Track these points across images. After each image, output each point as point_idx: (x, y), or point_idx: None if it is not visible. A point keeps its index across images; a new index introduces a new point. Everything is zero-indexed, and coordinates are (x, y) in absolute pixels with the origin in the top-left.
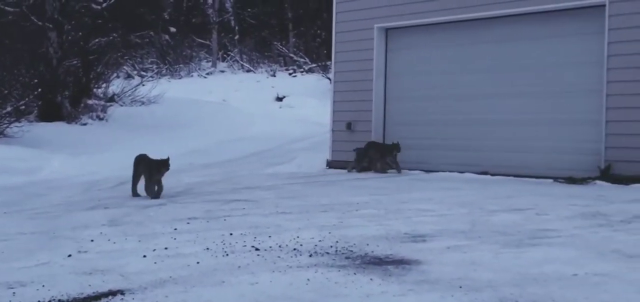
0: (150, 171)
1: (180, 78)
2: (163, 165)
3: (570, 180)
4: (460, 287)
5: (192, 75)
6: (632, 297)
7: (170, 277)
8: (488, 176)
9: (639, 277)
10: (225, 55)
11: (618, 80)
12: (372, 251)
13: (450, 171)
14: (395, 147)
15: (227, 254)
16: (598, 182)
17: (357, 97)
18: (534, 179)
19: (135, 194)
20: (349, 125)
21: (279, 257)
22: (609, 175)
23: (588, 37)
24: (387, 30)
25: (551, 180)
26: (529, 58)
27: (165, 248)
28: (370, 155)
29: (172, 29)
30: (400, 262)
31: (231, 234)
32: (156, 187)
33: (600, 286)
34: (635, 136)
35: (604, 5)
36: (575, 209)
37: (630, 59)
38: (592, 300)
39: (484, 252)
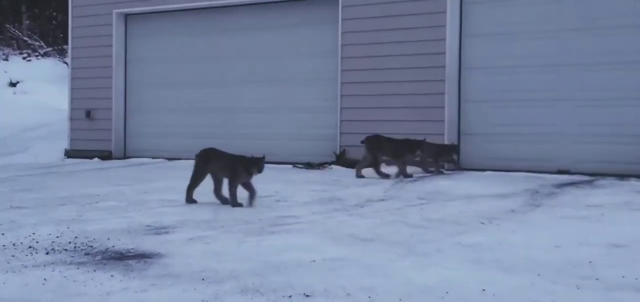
0: (234, 171)
1: None
2: (254, 164)
3: (309, 165)
4: (203, 279)
5: None
6: (366, 280)
7: None
8: None
9: (372, 260)
10: None
11: (350, 69)
12: (113, 246)
13: (192, 159)
14: (418, 145)
15: None
16: (334, 167)
17: (97, 84)
18: (275, 165)
19: (191, 199)
20: (88, 113)
21: (13, 256)
22: (344, 159)
23: (326, 26)
24: (126, 15)
25: (291, 166)
26: (270, 47)
27: None
28: (383, 150)
29: None
30: (142, 256)
31: None
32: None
33: (336, 270)
34: (365, 122)
35: None
36: (314, 194)
37: (360, 49)
38: (329, 285)
39: (226, 242)
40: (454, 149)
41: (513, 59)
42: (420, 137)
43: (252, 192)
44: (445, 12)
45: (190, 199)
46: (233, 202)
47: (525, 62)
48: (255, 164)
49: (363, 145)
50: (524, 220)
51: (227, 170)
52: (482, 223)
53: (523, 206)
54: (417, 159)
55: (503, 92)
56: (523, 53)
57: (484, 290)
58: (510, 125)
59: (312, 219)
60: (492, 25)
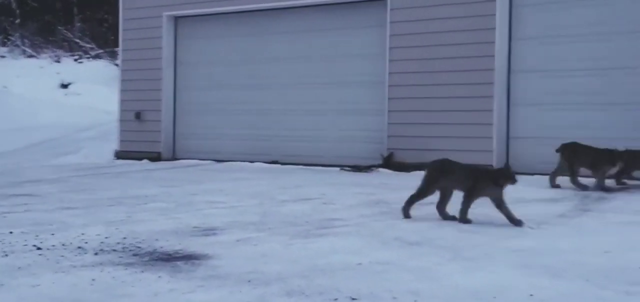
0: (475, 184)
1: None
2: (504, 175)
3: (356, 168)
4: (250, 281)
5: None
6: (413, 284)
7: None
8: (278, 165)
9: (418, 264)
10: (5, 40)
11: (398, 72)
12: (161, 247)
13: (241, 161)
14: (620, 157)
15: (7, 255)
16: (381, 170)
17: (146, 86)
18: (322, 168)
19: (408, 214)
20: (138, 115)
21: (62, 256)
22: (391, 162)
23: (373, 29)
24: (176, 18)
25: (338, 168)
26: (318, 49)
27: None
28: (580, 159)
29: None
30: (189, 258)
31: (11, 232)
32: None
33: (383, 274)
34: (414, 125)
35: None
36: (361, 197)
37: (409, 51)
38: (375, 288)
39: (273, 244)
40: None
41: (564, 62)
42: (614, 147)
43: (509, 214)
44: (494, 15)
45: (407, 214)
46: (462, 217)
47: (576, 65)
48: (505, 176)
49: (558, 152)
50: (573, 225)
51: (466, 182)
52: (531, 228)
53: (573, 211)
54: (617, 170)
55: (553, 95)
56: (574, 56)
57: (531, 295)
58: (561, 129)
59: (359, 221)
60: (542, 28)
